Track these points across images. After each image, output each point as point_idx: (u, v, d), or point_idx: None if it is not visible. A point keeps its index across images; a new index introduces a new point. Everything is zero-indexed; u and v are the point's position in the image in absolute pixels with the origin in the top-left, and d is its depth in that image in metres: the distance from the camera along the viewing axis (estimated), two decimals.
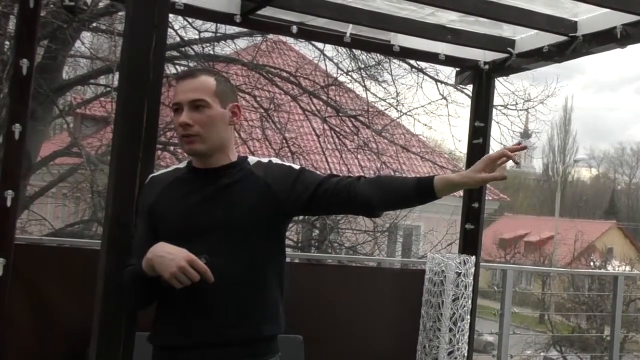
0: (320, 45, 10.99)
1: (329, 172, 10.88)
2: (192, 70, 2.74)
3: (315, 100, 11.47)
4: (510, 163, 2.52)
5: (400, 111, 12.42)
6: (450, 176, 2.58)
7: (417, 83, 11.82)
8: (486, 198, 4.89)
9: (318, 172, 2.62)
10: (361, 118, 11.69)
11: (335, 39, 4.45)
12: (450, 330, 4.48)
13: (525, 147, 2.62)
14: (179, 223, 2.54)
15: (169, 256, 2.37)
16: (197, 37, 10.57)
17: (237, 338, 2.50)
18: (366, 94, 11.86)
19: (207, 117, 2.54)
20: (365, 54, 11.09)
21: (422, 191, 2.50)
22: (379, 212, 2.65)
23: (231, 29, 10.50)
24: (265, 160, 2.68)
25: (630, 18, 3.73)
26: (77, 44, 10.97)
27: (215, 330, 2.48)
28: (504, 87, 11.97)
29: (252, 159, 2.68)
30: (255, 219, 2.53)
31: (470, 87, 4.91)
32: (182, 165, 2.74)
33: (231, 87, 2.75)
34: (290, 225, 10.88)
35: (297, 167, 2.64)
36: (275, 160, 2.69)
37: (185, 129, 2.54)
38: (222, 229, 2.51)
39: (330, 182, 2.54)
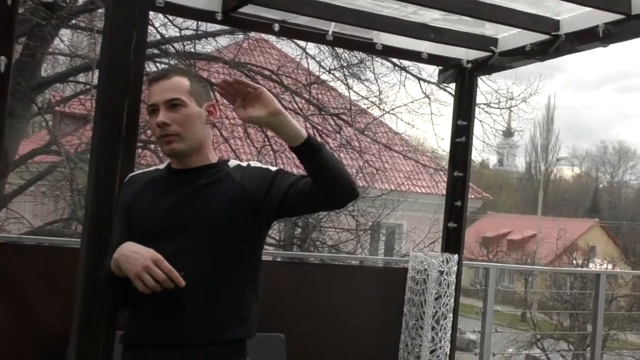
0: (302, 43, 10.99)
1: None
2: (165, 72, 2.72)
3: (297, 99, 11.44)
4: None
5: (383, 109, 12.44)
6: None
7: (400, 81, 11.85)
8: (469, 196, 4.89)
9: (295, 173, 2.58)
10: (344, 116, 11.68)
11: (318, 37, 4.42)
12: (433, 328, 4.48)
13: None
14: (151, 223, 2.53)
15: (135, 255, 2.35)
16: (178, 34, 10.53)
17: (199, 339, 2.47)
18: (349, 92, 11.86)
19: (184, 115, 2.55)
20: (348, 52, 11.08)
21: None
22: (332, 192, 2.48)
23: (212, 27, 10.50)
24: (244, 163, 2.67)
25: (612, 17, 3.74)
26: (56, 41, 10.91)
27: (178, 329, 2.46)
28: (486, 86, 12.03)
29: (232, 162, 2.67)
30: (228, 220, 2.51)
31: (453, 85, 4.91)
32: (162, 166, 2.74)
33: (206, 86, 2.75)
34: (273, 223, 10.87)
35: (273, 169, 2.62)
36: (253, 163, 2.68)
37: (163, 129, 2.53)
38: (192, 229, 2.49)
39: (300, 182, 2.50)
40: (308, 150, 2.42)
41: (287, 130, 2.44)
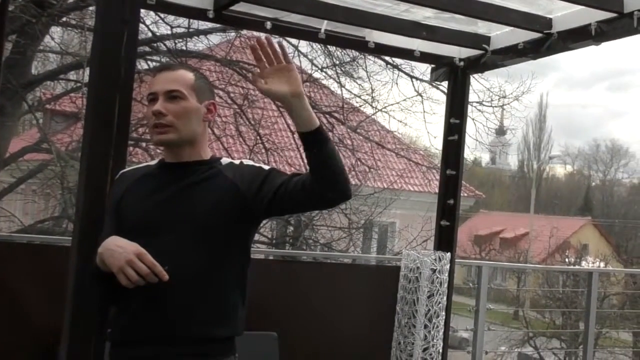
0: (294, 41, 10.95)
1: (303, 169, 10.88)
2: (172, 64, 2.74)
3: None
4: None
5: (376, 108, 12.46)
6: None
7: (392, 79, 11.85)
8: (461, 195, 4.89)
9: (287, 172, 2.57)
10: (336, 114, 11.68)
11: (310, 35, 4.41)
12: (425, 326, 4.48)
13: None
14: (139, 218, 2.52)
15: (119, 250, 2.34)
16: (169, 32, 10.50)
17: (185, 335, 2.46)
18: (341, 90, 11.87)
19: (181, 107, 2.54)
20: (340, 51, 11.08)
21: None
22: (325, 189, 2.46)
23: (204, 25, 10.46)
24: (237, 161, 2.65)
25: (604, 15, 3.74)
26: (47, 39, 10.86)
27: (164, 325, 2.45)
28: (479, 84, 12.05)
29: (224, 160, 2.66)
30: (217, 218, 2.50)
31: (445, 83, 4.91)
32: (154, 162, 2.72)
33: (209, 85, 2.75)
34: (265, 221, 10.87)
35: (266, 167, 2.61)
36: (246, 161, 2.66)
37: (158, 118, 2.52)
38: (181, 225, 2.48)
39: (292, 180, 2.49)
40: (317, 139, 2.41)
41: (302, 115, 2.41)
